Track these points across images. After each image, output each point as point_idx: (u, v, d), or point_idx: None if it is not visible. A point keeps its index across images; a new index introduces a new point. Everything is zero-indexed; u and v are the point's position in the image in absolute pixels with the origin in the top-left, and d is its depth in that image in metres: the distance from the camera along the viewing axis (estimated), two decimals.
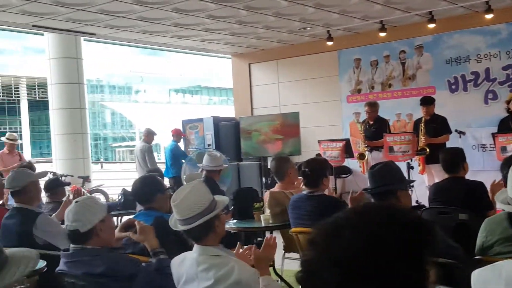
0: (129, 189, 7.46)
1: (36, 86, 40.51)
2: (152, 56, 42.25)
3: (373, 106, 7.98)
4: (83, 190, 10.44)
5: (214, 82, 46.56)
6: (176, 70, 45.34)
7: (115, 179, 16.38)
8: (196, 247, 2.54)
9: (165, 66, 44.48)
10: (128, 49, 39.32)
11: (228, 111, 22.69)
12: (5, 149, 8.62)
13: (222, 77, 45.26)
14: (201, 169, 5.54)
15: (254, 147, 9.83)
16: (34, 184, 4.19)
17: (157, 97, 46.10)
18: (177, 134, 9.67)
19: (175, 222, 2.58)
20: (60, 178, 7.09)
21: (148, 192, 3.65)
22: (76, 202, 2.80)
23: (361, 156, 7.80)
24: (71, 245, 2.79)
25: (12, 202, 5.14)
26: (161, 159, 17.41)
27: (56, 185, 5.76)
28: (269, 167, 9.11)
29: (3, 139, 8.96)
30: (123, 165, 27.37)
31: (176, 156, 9.44)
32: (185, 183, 8.24)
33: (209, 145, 10.17)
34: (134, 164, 10.34)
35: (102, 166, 25.46)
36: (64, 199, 6.07)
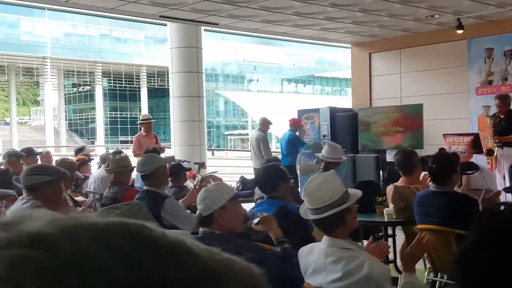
0: (247, 176, 7.72)
1: (156, 74, 43.00)
2: (265, 45, 42.87)
3: (504, 99, 7.49)
4: (198, 176, 10.95)
5: (327, 72, 46.17)
6: (289, 59, 45.62)
7: (227, 166, 16.95)
8: (325, 238, 2.56)
9: (278, 56, 44.92)
10: (242, 38, 40.30)
11: (341, 101, 22.48)
12: (142, 131, 8.75)
13: (336, 66, 44.82)
14: (315, 160, 5.54)
15: (372, 139, 9.64)
16: (162, 169, 4.44)
17: (269, 86, 46.79)
18: (295, 124, 9.71)
19: (305, 211, 2.62)
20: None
21: (272, 181, 3.72)
22: (206, 187, 2.94)
23: (490, 152, 7.36)
24: (200, 229, 2.93)
25: (139, 184, 5.53)
26: (272, 148, 17.63)
27: (179, 170, 6.07)
28: (387, 160, 8.92)
29: (139, 121, 9.09)
30: (230, 152, 28.19)
31: (293, 145, 9.51)
32: (299, 173, 8.33)
33: (324, 136, 10.14)
34: (245, 152, 10.60)
35: (213, 153, 26.46)
36: (187, 183, 6.41)
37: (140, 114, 45.80)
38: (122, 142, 43.47)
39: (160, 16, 8.38)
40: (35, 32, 38.16)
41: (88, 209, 4.73)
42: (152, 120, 9.00)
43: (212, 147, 37.78)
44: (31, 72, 42.01)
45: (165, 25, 12.45)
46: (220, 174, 12.99)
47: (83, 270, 0.33)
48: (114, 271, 0.34)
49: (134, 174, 5.41)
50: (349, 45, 11.00)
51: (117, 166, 4.91)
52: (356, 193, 2.64)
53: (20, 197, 2.90)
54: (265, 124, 9.73)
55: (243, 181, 6.97)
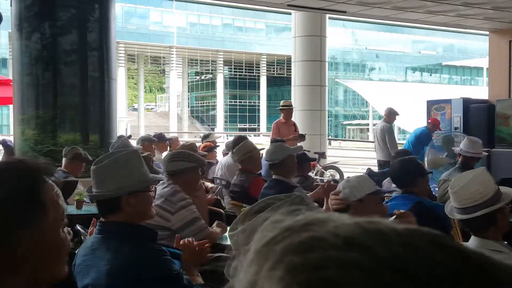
0: (374, 168, 7.56)
1: (275, 63, 43.56)
2: (388, 32, 41.56)
3: None
4: (318, 165, 10.92)
5: (456, 60, 43.66)
6: (414, 47, 43.80)
7: (347, 157, 16.75)
8: (473, 239, 2.42)
9: (402, 43, 43.32)
10: (365, 25, 39.40)
11: (473, 91, 21.14)
12: (281, 118, 8.44)
13: (467, 54, 42.24)
14: (445, 154, 5.27)
15: (511, 134, 8.99)
16: (291, 158, 4.49)
17: (392, 75, 45.34)
18: (434, 124, 9.25)
19: (451, 210, 2.50)
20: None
21: (410, 175, 3.60)
22: (348, 177, 2.92)
23: None
24: None
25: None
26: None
27: (304, 160, 6.09)
28: None
29: (280, 107, 8.67)
30: (344, 143, 27.79)
31: (421, 143, 9.14)
32: (426, 166, 7.99)
33: (456, 128, 9.62)
34: (365, 143, 10.33)
35: (330, 143, 26.26)
36: (311, 174, 6.42)
37: (258, 102, 46.77)
38: (241, 129, 44.67)
39: (288, 5, 8.43)
40: (163, 22, 40.34)
41: (216, 196, 4.91)
42: (293, 107, 8.66)
43: (330, 137, 37.53)
44: (158, 60, 44.51)
45: (289, 13, 12.53)
46: (340, 165, 12.89)
47: (402, 273, 0.33)
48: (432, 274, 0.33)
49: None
50: (487, 32, 10.30)
51: (240, 155, 5.01)
52: (510, 191, 2.46)
53: (161, 181, 3.07)
54: (390, 115, 9.44)
55: (370, 173, 6.82)
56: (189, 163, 3.24)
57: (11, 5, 5.61)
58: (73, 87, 5.59)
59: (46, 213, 1.13)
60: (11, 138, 6.39)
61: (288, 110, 8.41)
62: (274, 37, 42.81)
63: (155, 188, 2.25)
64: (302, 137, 8.21)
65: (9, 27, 7.55)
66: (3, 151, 6.28)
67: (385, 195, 3.79)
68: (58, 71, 5.51)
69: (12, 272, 1.10)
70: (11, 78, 10.03)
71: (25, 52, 5.49)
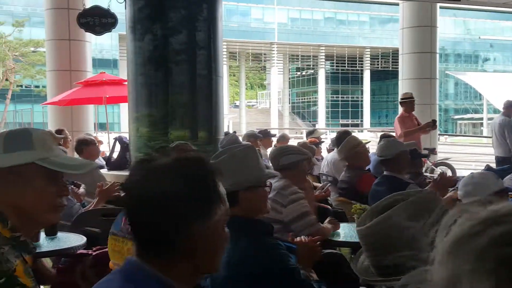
0: (492, 165, 7.16)
1: (379, 56, 42.54)
2: (503, 20, 39.05)
3: None
4: (428, 162, 10.52)
5: None
6: None
7: (458, 152, 15.97)
8: None
9: None
10: (477, 13, 37.28)
11: None
12: (403, 112, 7.98)
13: None
14: None
15: None
16: (404, 154, 4.37)
17: (509, 65, 42.58)
18: None
19: None
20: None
21: None
22: (472, 173, 2.81)
23: None
24: None
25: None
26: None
27: (417, 156, 5.91)
28: None
29: (399, 100, 8.32)
30: (454, 138, 26.45)
31: None
32: None
33: None
34: (478, 139, 9.78)
35: (439, 139, 25.16)
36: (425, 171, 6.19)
37: (362, 97, 45.98)
38: (343, 125, 44.17)
39: None
40: (264, 19, 40.86)
41: (322, 192, 4.90)
42: (415, 99, 8.17)
43: (439, 132, 36.01)
44: (259, 57, 45.17)
45: (396, 4, 12.18)
46: (452, 161, 12.34)
47: None
48: None
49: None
50: None
51: (346, 152, 4.96)
52: None
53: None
54: (510, 108, 8.89)
55: (489, 170, 6.47)
56: (300, 156, 3.29)
57: (125, 8, 5.96)
58: (183, 85, 5.83)
59: (221, 206, 1.21)
60: (126, 135, 6.80)
61: (410, 102, 7.97)
62: (379, 29, 41.82)
63: (271, 184, 2.31)
64: (434, 124, 7.87)
65: (120, 29, 8.04)
66: (118, 148, 6.69)
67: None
68: (168, 70, 5.77)
69: (184, 260, 1.18)
70: (121, 78, 10.69)
71: (138, 53, 5.82)
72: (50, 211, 1.62)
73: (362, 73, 44.30)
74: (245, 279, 1.87)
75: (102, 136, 12.84)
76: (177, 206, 1.15)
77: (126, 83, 9.73)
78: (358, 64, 43.19)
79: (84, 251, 3.46)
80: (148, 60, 5.76)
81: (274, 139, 8.56)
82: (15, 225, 1.55)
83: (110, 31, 6.12)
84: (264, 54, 43.21)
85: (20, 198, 1.55)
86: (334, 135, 8.06)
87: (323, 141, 8.50)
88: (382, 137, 6.36)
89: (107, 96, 10.01)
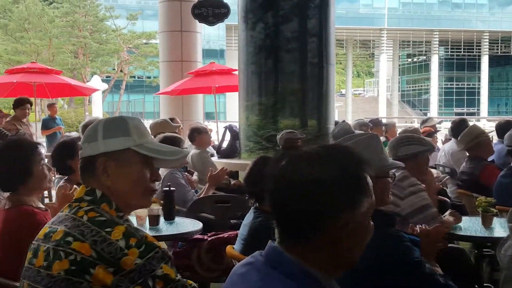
0: None
1: (499, 40, 39.99)
2: None
3: None
4: None
5: None
6: None
7: None
8: None
9: None
10: None
11: None
12: None
13: None
14: None
15: None
16: None
17: None
18: None
19: None
20: None
21: None
22: None
23: None
24: None
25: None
26: None
27: None
28: None
29: None
30: None
31: None
32: None
33: None
34: None
35: None
36: None
37: (479, 84, 43.58)
38: (457, 114, 42.14)
39: None
40: (373, 4, 39.89)
41: (441, 185, 4.71)
42: None
43: None
44: (367, 44, 44.24)
45: None
46: None
47: None
48: None
49: None
50: None
51: (467, 142, 4.72)
52: None
53: None
54: None
55: None
56: (421, 147, 3.19)
57: None
58: (293, 73, 5.86)
59: (369, 197, 1.21)
60: (233, 124, 6.96)
61: None
62: (499, 12, 39.29)
63: (394, 174, 2.26)
64: None
65: (228, 20, 8.22)
66: (228, 136, 6.87)
67: None
68: (279, 58, 5.82)
69: (327, 250, 1.18)
70: (229, 68, 10.94)
71: (250, 42, 5.92)
72: (144, 195, 1.71)
73: (479, 59, 41.92)
74: (367, 271, 1.85)
75: (209, 125, 13.26)
76: (328, 193, 1.14)
77: (235, 72, 9.98)
78: (476, 49, 40.91)
79: (200, 236, 3.60)
80: (259, 48, 5.85)
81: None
82: (118, 206, 1.66)
83: (223, 21, 6.29)
84: (372, 41, 42.24)
85: (117, 182, 1.65)
86: (448, 124, 7.73)
87: (438, 130, 8.16)
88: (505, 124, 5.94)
89: (217, 85, 10.30)
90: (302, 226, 1.16)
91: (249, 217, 2.86)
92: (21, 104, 8.01)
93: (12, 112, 8.67)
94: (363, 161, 1.22)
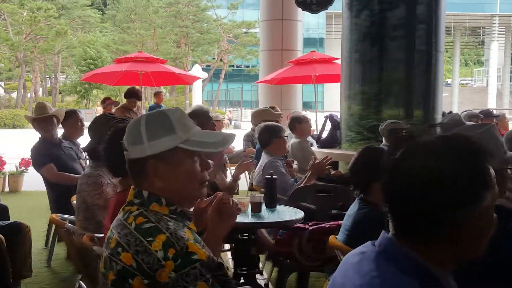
0: None
1: None
2: None
3: None
4: None
5: None
6: None
7: None
8: None
9: None
10: None
11: None
12: None
13: None
14: None
15: None
16: None
17: None
18: None
19: None
20: None
21: None
22: None
23: None
24: None
25: None
26: None
27: None
28: None
29: None
30: None
31: None
32: None
33: None
34: None
35: None
36: None
37: None
38: None
39: None
40: None
41: None
42: None
43: None
44: (477, 31, 42.03)
45: None
46: None
47: None
48: None
49: None
50: None
51: None
52: None
53: None
54: None
55: None
56: None
57: None
58: (398, 61, 5.70)
59: (492, 190, 1.15)
60: (337, 113, 6.89)
61: None
62: None
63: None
64: None
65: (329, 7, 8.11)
66: (328, 126, 6.82)
67: None
68: (384, 46, 5.69)
69: (446, 244, 1.13)
70: (330, 56, 10.82)
71: (354, 30, 5.83)
72: (199, 188, 1.68)
73: None
74: (485, 266, 1.78)
75: (307, 114, 13.23)
76: (448, 187, 1.09)
77: (336, 61, 9.87)
78: None
79: (301, 225, 3.62)
80: (363, 36, 5.75)
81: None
82: (169, 200, 1.63)
83: (327, 9, 6.22)
84: (483, 28, 40.06)
85: (169, 182, 1.61)
86: None
87: None
88: None
89: (317, 74, 10.26)
90: (420, 221, 1.12)
91: (353, 208, 2.83)
92: (131, 96, 8.44)
93: (119, 99, 9.18)
94: (486, 152, 1.16)
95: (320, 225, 3.61)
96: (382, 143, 5.08)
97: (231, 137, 1.71)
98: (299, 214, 3.54)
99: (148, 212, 1.58)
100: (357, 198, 2.86)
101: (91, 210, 3.34)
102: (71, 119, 5.39)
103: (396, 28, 5.61)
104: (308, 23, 39.96)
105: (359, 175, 2.81)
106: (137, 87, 9.66)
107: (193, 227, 1.66)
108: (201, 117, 4.12)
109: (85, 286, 3.40)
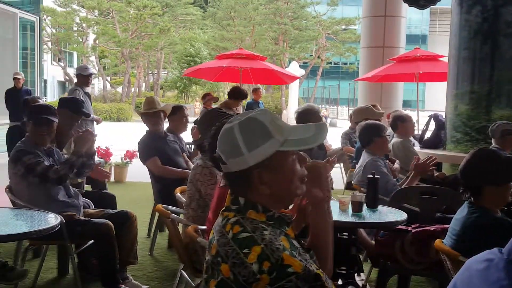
0: None
1: None
2: None
3: None
4: None
5: None
6: None
7: None
8: None
9: None
10: None
11: None
12: None
13: None
14: None
15: None
16: None
17: None
18: None
19: None
20: None
21: None
22: None
23: None
24: None
25: None
26: None
27: None
28: None
29: None
30: None
31: None
32: None
33: None
34: None
35: None
36: None
37: None
38: None
39: None
40: None
41: None
42: None
43: None
44: None
45: None
46: None
47: None
48: None
49: None
50: None
51: None
52: None
53: None
54: None
55: None
56: None
57: None
58: None
59: None
60: (441, 113, 6.66)
61: None
62: None
63: None
64: None
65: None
66: (432, 126, 6.61)
67: None
68: (496, 44, 5.42)
69: None
70: (435, 54, 10.45)
71: (464, 26, 5.60)
72: (300, 186, 1.65)
73: None
74: None
75: (408, 113, 12.86)
76: None
77: (441, 59, 9.52)
78: None
79: (403, 227, 3.54)
80: (474, 33, 5.51)
81: None
82: (266, 206, 1.60)
83: (435, 4, 6.01)
84: None
85: (275, 187, 1.59)
86: None
87: None
88: None
89: (420, 72, 9.95)
90: None
91: (462, 212, 2.73)
92: (238, 97, 8.31)
93: (216, 95, 9.32)
94: None
95: (424, 228, 3.51)
96: (492, 145, 4.85)
97: (323, 126, 1.67)
98: (402, 215, 3.47)
99: (245, 220, 1.58)
100: (466, 202, 2.75)
101: (204, 200, 3.46)
102: (178, 114, 5.59)
103: (510, 25, 5.32)
104: (411, 19, 38.80)
105: (471, 178, 2.70)
106: (242, 86, 9.78)
107: (290, 233, 1.64)
108: (312, 116, 4.12)
109: (187, 276, 3.53)
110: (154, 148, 5.24)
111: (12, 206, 3.82)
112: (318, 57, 42.50)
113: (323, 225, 1.79)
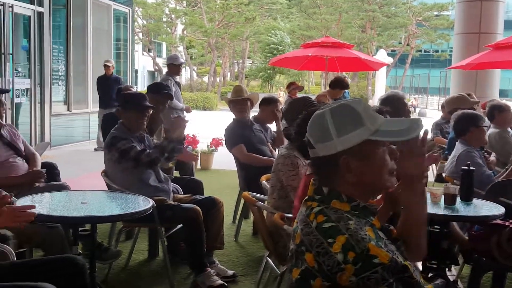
0: None
1: None
2: None
3: None
4: None
5: None
6: None
7: None
8: None
9: None
10: None
11: None
12: None
13: None
14: None
15: None
16: None
17: None
18: None
19: None
20: None
21: None
22: None
23: None
24: None
25: None
26: None
27: None
28: None
29: None
30: None
31: None
32: None
33: None
34: None
35: None
36: None
37: None
38: None
39: None
40: None
41: None
42: None
43: None
44: None
45: None
46: None
47: None
48: None
49: None
50: None
51: None
52: None
53: None
54: None
55: None
56: None
57: None
58: None
59: None
60: None
61: None
62: None
63: None
64: None
65: None
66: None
67: None
68: None
69: None
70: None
71: None
72: (390, 177, 1.62)
73: None
74: None
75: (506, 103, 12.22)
76: None
77: None
78: None
79: (500, 222, 3.38)
80: None
81: None
82: (350, 195, 1.58)
83: None
84: None
85: (362, 176, 1.57)
86: None
87: None
88: None
89: None
90: None
91: None
92: (341, 88, 8.06)
93: (300, 84, 9.18)
94: None
95: None
96: None
97: (419, 122, 1.61)
98: (499, 209, 3.31)
99: (329, 210, 1.58)
100: None
101: (285, 190, 3.48)
102: (271, 106, 5.62)
103: None
104: (509, 3, 36.70)
105: None
106: (342, 75, 9.56)
107: (376, 223, 1.62)
108: (396, 103, 4.03)
109: (272, 263, 3.57)
110: (240, 136, 5.32)
111: (107, 190, 4.02)
112: (408, 44, 41.23)
113: (415, 206, 1.71)
